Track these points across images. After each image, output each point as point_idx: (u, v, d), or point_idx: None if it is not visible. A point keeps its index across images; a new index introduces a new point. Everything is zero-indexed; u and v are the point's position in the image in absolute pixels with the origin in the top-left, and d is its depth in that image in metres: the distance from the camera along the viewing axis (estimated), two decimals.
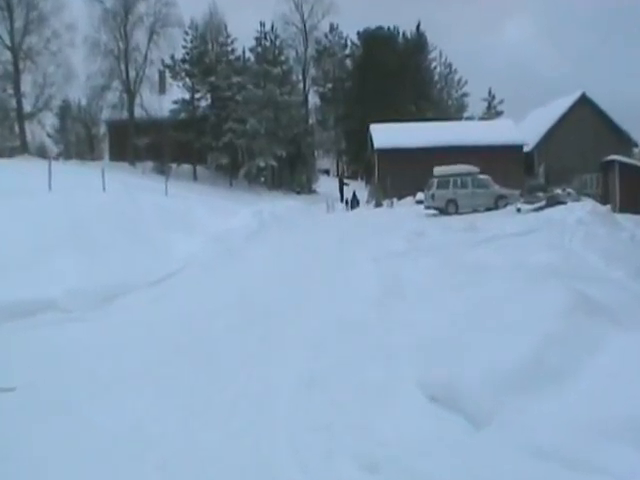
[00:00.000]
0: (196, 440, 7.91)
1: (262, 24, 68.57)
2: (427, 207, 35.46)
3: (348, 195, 50.71)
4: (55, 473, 7.22)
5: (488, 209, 34.15)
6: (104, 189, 27.25)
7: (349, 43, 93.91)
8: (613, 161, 36.91)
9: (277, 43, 69.52)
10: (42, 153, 63.08)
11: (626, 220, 22.87)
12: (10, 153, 53.69)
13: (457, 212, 33.99)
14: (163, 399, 9.31)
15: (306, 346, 10.97)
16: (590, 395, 7.86)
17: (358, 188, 56.51)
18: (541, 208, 29.67)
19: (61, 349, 11.66)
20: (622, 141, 57.12)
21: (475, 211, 33.03)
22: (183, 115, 60.78)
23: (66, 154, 75.70)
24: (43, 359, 11.11)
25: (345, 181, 55.26)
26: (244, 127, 57.74)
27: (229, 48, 66.10)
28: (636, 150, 57.26)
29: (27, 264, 15.53)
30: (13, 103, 57.85)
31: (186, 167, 58.08)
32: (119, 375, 10.27)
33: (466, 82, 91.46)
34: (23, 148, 55.29)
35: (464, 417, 7.84)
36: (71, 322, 13.23)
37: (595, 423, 7.32)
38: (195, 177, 57.83)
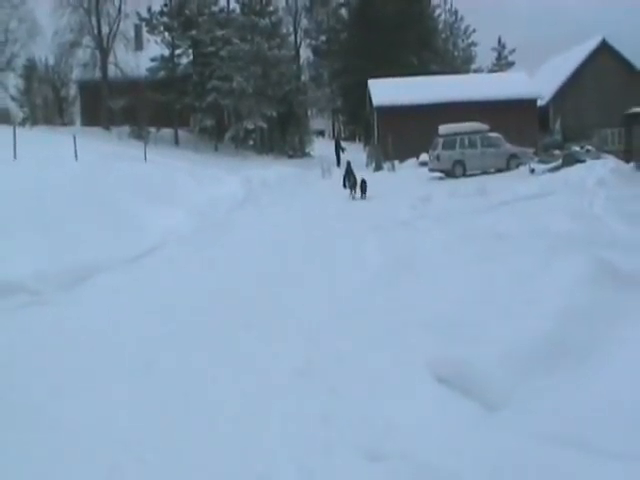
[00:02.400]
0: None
1: None
2: (432, 170, 35.35)
3: (343, 165, 46.65)
4: None
5: (499, 170, 34.10)
6: (76, 158, 27.09)
7: None
8: (638, 114, 36.74)
9: None
10: (5, 119, 62.35)
11: None
12: None
13: (465, 174, 33.90)
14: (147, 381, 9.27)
15: (304, 335, 10.89)
16: (616, 375, 7.81)
17: (356, 150, 56.21)
18: (557, 168, 29.60)
19: (30, 336, 11.57)
20: None
21: (485, 173, 32.97)
22: (162, 74, 60.20)
23: (33, 119, 74.99)
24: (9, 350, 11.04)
25: (342, 145, 54.44)
26: (230, 86, 57.29)
27: None
28: None
29: None
30: None
31: (166, 131, 57.78)
32: (95, 368, 10.19)
33: (474, 30, 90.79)
34: None
35: (476, 400, 7.77)
36: (39, 305, 13.13)
37: (620, 406, 7.28)
38: (177, 142, 57.57)
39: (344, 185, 30.36)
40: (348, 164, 31.91)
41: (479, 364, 8.22)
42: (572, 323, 8.58)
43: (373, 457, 6.95)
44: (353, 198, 29.01)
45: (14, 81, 74.91)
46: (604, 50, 59.64)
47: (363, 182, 29.22)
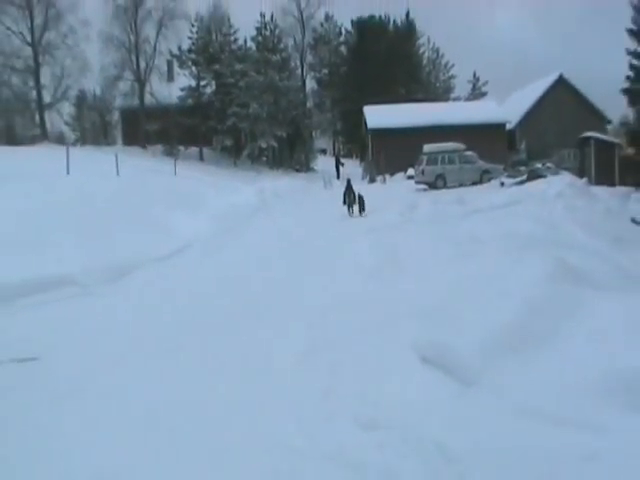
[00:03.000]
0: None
1: (262, 15, 68.07)
2: (417, 182, 35.31)
3: (344, 179, 45.17)
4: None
5: (474, 183, 34.03)
6: (117, 173, 27.08)
7: (343, 31, 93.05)
8: (589, 137, 36.70)
9: (276, 32, 68.90)
10: (61, 140, 62.99)
11: (601, 192, 22.76)
12: (31, 141, 53.74)
13: (445, 186, 33.84)
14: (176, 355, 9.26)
15: (306, 316, 10.86)
16: (572, 356, 7.79)
17: (353, 165, 56.24)
18: (523, 182, 29.55)
19: (82, 319, 11.60)
20: (597, 118, 57.00)
21: (462, 185, 32.89)
22: (190, 101, 60.60)
23: (82, 140, 75.72)
24: (65, 329, 11.03)
25: (341, 161, 54.55)
26: (247, 111, 57.52)
27: (232, 38, 65.67)
28: (610, 127, 57.12)
29: (44, 243, 15.42)
30: (34, 94, 57.95)
31: (193, 149, 57.91)
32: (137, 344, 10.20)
33: (453, 65, 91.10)
34: (43, 136, 55.36)
35: (455, 378, 7.74)
36: (88, 296, 13.18)
37: (578, 382, 7.26)
38: (202, 158, 57.60)
39: (344, 201, 25.22)
40: (348, 181, 26.40)
41: (457, 347, 8.19)
42: (535, 313, 8.58)
43: (367, 427, 6.93)
44: (351, 215, 24.33)
45: (68, 109, 76.01)
46: (561, 84, 60.08)
47: (361, 199, 24.65)
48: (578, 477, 5.58)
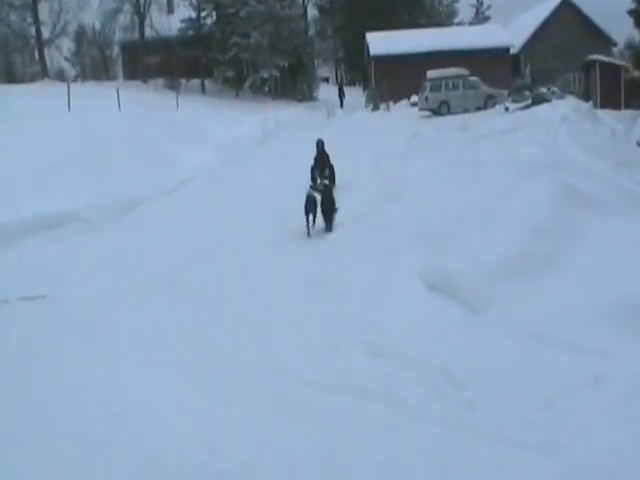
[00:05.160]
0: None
1: None
2: (421, 109, 34.89)
3: (346, 107, 44.64)
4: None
5: (478, 109, 33.63)
6: (119, 107, 26.80)
7: None
8: (594, 61, 36.17)
9: None
10: (61, 76, 62.31)
11: (606, 116, 22.47)
12: (31, 78, 53.14)
13: (449, 113, 33.43)
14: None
15: (312, 250, 10.88)
16: (577, 281, 7.79)
17: (356, 94, 55.64)
18: (527, 106, 29.17)
19: (89, 255, 11.60)
20: (602, 41, 55.84)
21: (466, 111, 32.51)
22: (190, 33, 59.51)
23: (83, 76, 74.80)
24: (72, 266, 11.05)
25: (344, 90, 53.96)
26: (248, 41, 56.53)
27: None
28: (615, 50, 56.14)
29: (48, 181, 15.35)
30: (32, 31, 56.89)
31: (195, 82, 57.18)
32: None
33: None
34: (43, 73, 54.66)
35: (460, 303, 7.75)
36: (94, 232, 13.18)
37: (583, 307, 7.27)
38: (203, 90, 56.93)
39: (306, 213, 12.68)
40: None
41: (463, 273, 8.20)
42: (541, 237, 8.55)
43: (373, 354, 6.96)
44: (308, 235, 12.29)
45: (67, 45, 74.94)
46: (566, 5, 58.76)
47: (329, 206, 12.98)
48: (583, 400, 5.61)
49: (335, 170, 15.64)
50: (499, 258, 8.33)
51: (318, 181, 14.67)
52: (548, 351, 6.47)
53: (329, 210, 12.29)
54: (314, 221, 12.15)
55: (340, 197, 13.12)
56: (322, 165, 15.67)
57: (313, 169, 15.94)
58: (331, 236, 11.52)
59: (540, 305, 7.46)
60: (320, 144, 16.64)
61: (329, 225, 12.24)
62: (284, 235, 11.88)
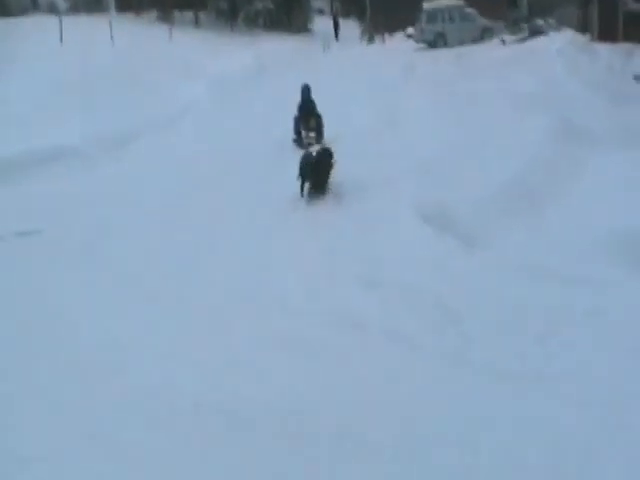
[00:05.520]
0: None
1: None
2: (417, 41, 34.52)
3: (342, 40, 43.71)
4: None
5: (475, 41, 33.26)
6: (112, 40, 26.39)
7: None
8: None
9: None
10: (52, 10, 61.11)
11: (604, 49, 22.22)
12: (22, 12, 52.05)
13: (445, 45, 33.08)
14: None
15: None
16: (575, 214, 7.86)
17: (351, 27, 54.86)
18: (524, 39, 28.87)
19: (84, 190, 11.53)
20: None
21: (462, 44, 32.14)
22: None
23: (75, 9, 73.24)
24: (68, 201, 10.99)
25: (338, 21, 53.09)
26: None
27: None
28: None
29: (42, 115, 15.14)
30: None
31: (188, 15, 56.18)
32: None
33: None
34: (34, 6, 53.71)
35: (457, 237, 7.77)
36: (90, 166, 13.03)
37: (580, 241, 7.35)
38: (197, 23, 56.02)
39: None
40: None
41: (458, 206, 8.23)
42: (538, 171, 8.58)
43: (369, 285, 7.00)
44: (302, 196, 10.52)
45: None
46: None
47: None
48: (581, 332, 5.68)
49: (323, 120, 13.67)
50: (497, 192, 8.35)
51: (303, 134, 13.61)
52: (545, 284, 6.53)
53: (325, 177, 10.55)
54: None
55: (336, 130, 12.94)
56: (307, 115, 13.79)
57: (297, 120, 13.91)
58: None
59: (537, 238, 7.52)
60: (305, 90, 14.18)
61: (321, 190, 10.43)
62: (280, 169, 11.79)
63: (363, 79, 19.91)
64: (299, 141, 13.37)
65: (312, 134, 13.26)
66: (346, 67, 24.38)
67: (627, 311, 5.93)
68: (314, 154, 10.53)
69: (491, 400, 4.90)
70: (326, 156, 10.52)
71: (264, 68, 26.66)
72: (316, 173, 10.35)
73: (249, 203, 9.91)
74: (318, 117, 13.66)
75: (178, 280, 7.62)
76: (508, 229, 7.77)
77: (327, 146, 10.84)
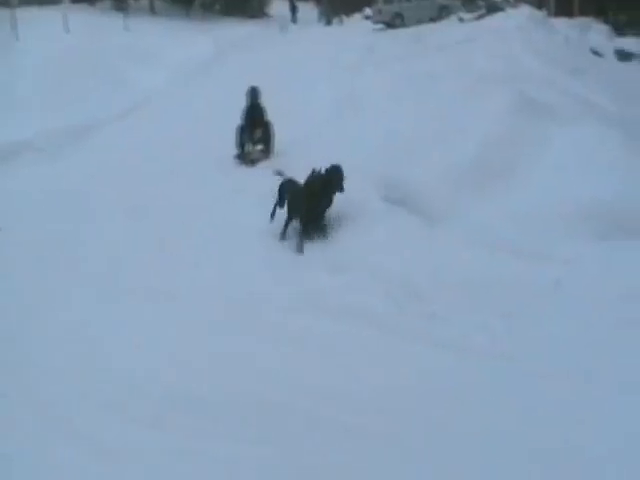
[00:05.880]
0: None
1: None
2: (375, 22, 34.47)
3: (299, 22, 43.34)
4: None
5: (432, 20, 33.26)
6: (68, 31, 25.98)
7: None
8: None
9: None
10: (3, 3, 59.96)
11: (561, 23, 22.34)
12: None
13: (403, 25, 33.04)
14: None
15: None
16: (536, 189, 7.89)
17: (309, 9, 54.61)
18: (482, 16, 28.93)
19: (41, 185, 11.34)
20: None
21: (420, 23, 32.12)
22: None
23: (27, 1, 71.93)
24: (26, 197, 10.83)
25: (296, 4, 52.78)
26: None
27: None
28: None
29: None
30: None
31: (144, 2, 55.52)
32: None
33: None
34: None
35: (419, 215, 7.81)
36: (48, 161, 12.83)
37: (541, 214, 7.39)
38: (153, 11, 55.36)
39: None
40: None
41: (420, 183, 8.24)
42: (497, 147, 8.59)
43: (335, 270, 7.00)
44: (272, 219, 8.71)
45: None
46: None
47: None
48: (544, 306, 5.73)
49: (273, 129, 11.61)
50: (458, 169, 8.37)
51: (247, 148, 11.53)
52: (508, 259, 6.59)
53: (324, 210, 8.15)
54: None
55: (293, 115, 12.69)
56: (253, 125, 11.58)
57: (241, 130, 11.67)
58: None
59: (499, 214, 7.56)
60: (253, 94, 11.83)
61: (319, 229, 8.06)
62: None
63: (322, 61, 19.80)
64: (242, 157, 11.45)
65: (259, 147, 11.50)
66: (304, 49, 24.22)
67: (589, 283, 5.98)
68: (314, 175, 8.24)
69: (459, 378, 4.93)
70: (333, 179, 7.98)
71: (223, 53, 26.45)
72: (314, 205, 8.05)
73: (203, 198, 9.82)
74: (266, 126, 11.61)
75: (140, 269, 7.58)
76: (470, 205, 7.80)
77: (335, 164, 8.06)
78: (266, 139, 11.61)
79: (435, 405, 4.63)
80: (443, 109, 10.16)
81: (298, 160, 10.04)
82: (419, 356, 5.27)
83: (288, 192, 8.49)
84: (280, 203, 8.54)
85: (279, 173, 9.87)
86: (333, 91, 15.02)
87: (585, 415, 4.29)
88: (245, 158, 11.49)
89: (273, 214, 8.53)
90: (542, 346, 5.20)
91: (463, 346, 5.32)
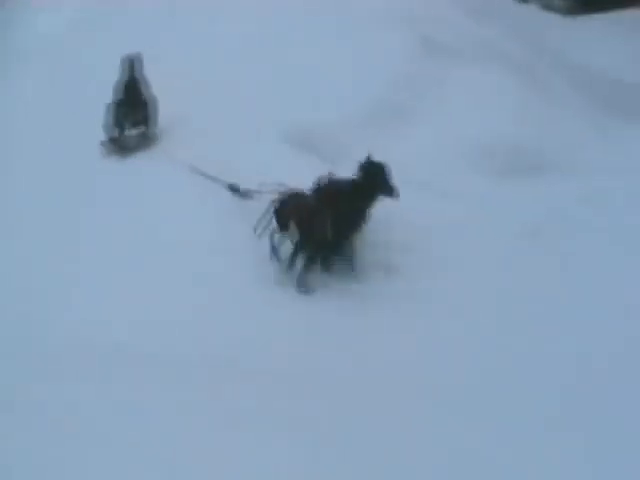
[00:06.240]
0: None
1: None
2: None
3: None
4: None
5: None
6: None
7: None
8: None
9: None
10: None
11: None
12: None
13: None
14: None
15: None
16: (437, 129, 7.93)
17: None
18: None
19: None
20: None
21: None
22: None
23: None
24: None
25: None
26: None
27: None
28: None
29: None
30: None
31: None
32: None
33: None
34: None
35: (320, 157, 7.60)
36: None
37: (444, 153, 7.45)
38: None
39: None
40: None
41: (322, 126, 8.09)
42: (398, 88, 8.55)
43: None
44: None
45: None
46: None
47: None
48: (444, 243, 5.68)
49: (156, 104, 8.93)
50: (358, 111, 8.28)
51: (126, 131, 8.90)
52: (413, 196, 6.51)
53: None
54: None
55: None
56: (131, 104, 8.88)
57: (114, 109, 8.81)
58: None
59: (401, 153, 7.44)
60: (130, 64, 8.78)
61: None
62: None
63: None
64: (119, 141, 8.84)
65: (138, 130, 8.98)
66: None
67: (488, 221, 5.98)
68: (335, 183, 6.21)
69: (363, 318, 4.89)
70: (372, 185, 5.99)
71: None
72: (342, 229, 5.89)
73: None
74: (145, 105, 8.96)
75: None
76: (372, 146, 7.62)
77: (372, 159, 6.12)
78: (146, 120, 8.97)
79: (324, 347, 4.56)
80: (346, 49, 9.88)
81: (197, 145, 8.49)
82: (321, 305, 5.23)
83: (293, 213, 6.07)
84: (281, 227, 6.12)
85: (233, 188, 7.22)
86: (236, 33, 14.47)
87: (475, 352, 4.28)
88: (123, 143, 8.84)
89: (276, 252, 6.10)
90: (443, 284, 5.16)
91: (364, 287, 5.26)
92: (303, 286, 5.70)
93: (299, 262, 5.83)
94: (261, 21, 15.41)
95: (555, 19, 11.85)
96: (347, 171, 6.89)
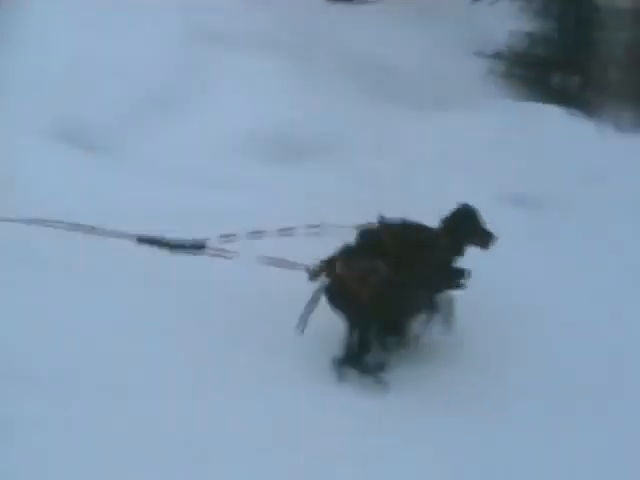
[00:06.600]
0: None
1: None
2: None
3: None
4: None
5: None
6: None
7: None
8: None
9: None
10: None
11: None
12: None
13: None
14: None
15: None
16: (216, 117, 7.94)
17: None
18: None
19: None
20: None
21: None
22: None
23: None
24: None
25: None
26: None
27: None
28: None
29: None
30: None
31: None
32: None
33: None
34: None
35: (83, 148, 7.34)
36: None
37: (221, 141, 7.40)
38: None
39: None
40: None
41: (92, 119, 7.81)
42: (170, 77, 8.45)
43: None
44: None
45: None
46: None
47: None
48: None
49: None
50: (133, 101, 8.06)
51: None
52: (189, 186, 6.52)
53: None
54: None
55: None
56: None
57: None
58: None
59: (180, 144, 7.48)
60: None
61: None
62: None
63: None
64: None
65: None
66: None
67: (269, 207, 6.00)
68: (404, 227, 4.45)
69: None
70: (463, 234, 4.56)
71: None
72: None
73: None
74: None
75: None
76: (148, 137, 7.60)
77: (461, 206, 4.60)
78: None
79: None
80: (112, 37, 9.54)
81: None
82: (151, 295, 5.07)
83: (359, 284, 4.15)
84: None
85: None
86: None
87: None
88: None
89: (306, 319, 4.17)
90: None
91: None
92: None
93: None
94: None
95: (328, 5, 12.10)
96: (124, 162, 6.76)
